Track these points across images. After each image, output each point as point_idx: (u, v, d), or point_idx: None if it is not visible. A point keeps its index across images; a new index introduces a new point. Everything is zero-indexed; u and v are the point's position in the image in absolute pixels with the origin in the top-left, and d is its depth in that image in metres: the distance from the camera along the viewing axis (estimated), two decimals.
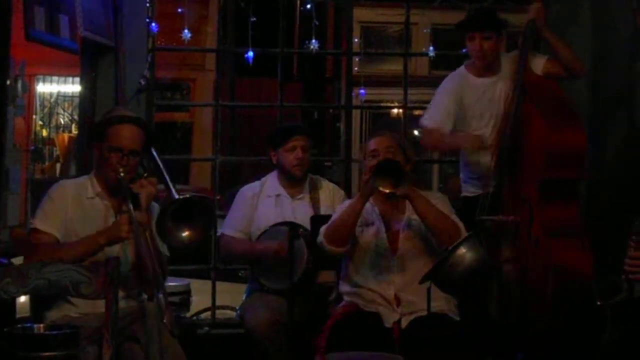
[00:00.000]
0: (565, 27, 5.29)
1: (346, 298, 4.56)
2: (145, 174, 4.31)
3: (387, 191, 4.29)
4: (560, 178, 4.84)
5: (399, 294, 4.38)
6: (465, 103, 5.17)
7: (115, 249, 4.13)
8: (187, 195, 4.17)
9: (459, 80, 5.26)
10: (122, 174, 4.12)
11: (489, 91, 5.16)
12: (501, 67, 5.21)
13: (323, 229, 4.50)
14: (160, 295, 3.93)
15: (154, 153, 4.47)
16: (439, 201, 4.55)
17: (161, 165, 4.43)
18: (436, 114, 5.19)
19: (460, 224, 4.45)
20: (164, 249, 4.28)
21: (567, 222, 4.83)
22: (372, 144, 4.56)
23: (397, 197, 4.41)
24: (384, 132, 4.65)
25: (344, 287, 4.59)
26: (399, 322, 4.32)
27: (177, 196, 4.11)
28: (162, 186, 4.37)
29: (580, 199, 4.99)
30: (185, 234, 4.15)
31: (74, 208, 4.22)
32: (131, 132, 4.21)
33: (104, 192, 4.26)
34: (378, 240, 4.50)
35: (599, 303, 4.24)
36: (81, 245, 4.07)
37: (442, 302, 4.37)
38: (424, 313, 4.24)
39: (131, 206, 4.04)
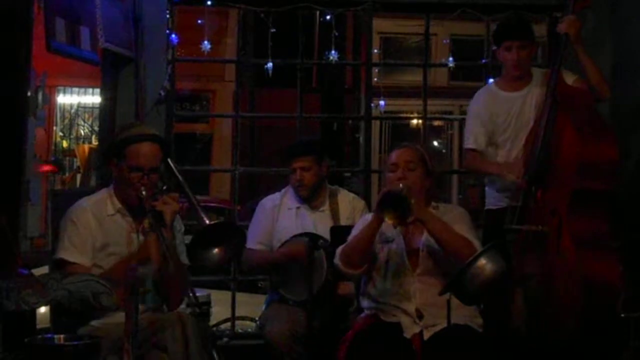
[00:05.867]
0: (585, 42, 5.24)
1: (367, 311, 4.53)
2: (165, 187, 4.31)
3: (392, 222, 4.21)
4: (592, 189, 4.78)
5: (421, 308, 4.33)
6: (495, 118, 5.16)
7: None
8: (218, 221, 4.17)
9: (488, 97, 5.25)
10: (143, 193, 4.12)
11: (520, 103, 5.13)
12: (532, 76, 5.18)
13: (339, 250, 4.45)
14: (184, 306, 3.93)
15: (172, 165, 4.48)
16: (458, 216, 4.50)
17: (181, 179, 4.44)
18: (472, 135, 5.23)
19: (476, 242, 4.36)
20: (183, 257, 4.29)
21: (597, 234, 4.76)
22: (393, 157, 4.50)
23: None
24: (405, 145, 4.56)
25: (364, 303, 4.56)
26: (420, 333, 4.28)
27: (208, 222, 4.12)
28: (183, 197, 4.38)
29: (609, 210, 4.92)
30: (217, 255, 4.16)
31: (97, 228, 4.22)
32: (150, 150, 4.20)
33: (124, 209, 4.27)
34: (398, 257, 4.44)
35: (622, 315, 4.20)
36: (114, 272, 4.05)
37: (465, 315, 4.33)
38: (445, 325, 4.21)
39: (156, 225, 4.04)
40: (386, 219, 4.18)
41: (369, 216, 4.51)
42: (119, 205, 4.26)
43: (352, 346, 4.27)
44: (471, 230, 4.46)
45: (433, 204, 4.52)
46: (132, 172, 4.16)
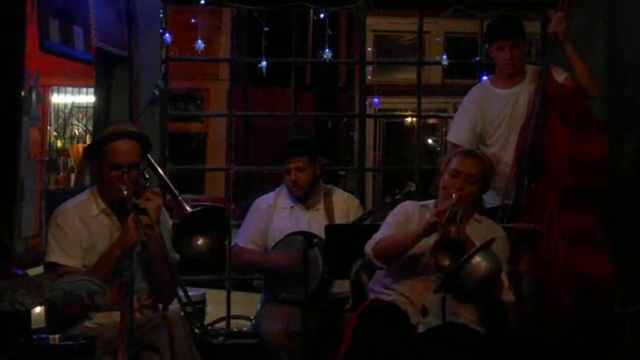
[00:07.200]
0: (579, 39, 5.25)
1: (371, 295, 4.49)
2: (148, 184, 4.31)
3: (445, 266, 4.17)
4: (582, 186, 4.79)
5: (428, 307, 4.31)
6: (488, 116, 5.16)
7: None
8: (199, 207, 4.17)
9: (481, 94, 5.25)
10: (125, 191, 4.10)
11: (514, 101, 5.14)
12: (526, 73, 5.19)
13: (373, 240, 4.37)
14: (177, 305, 3.93)
15: (152, 161, 4.48)
16: (500, 239, 4.38)
17: (161, 173, 4.45)
18: (458, 130, 5.23)
19: (504, 278, 4.29)
20: (173, 253, 4.28)
21: (587, 231, 4.78)
22: (457, 162, 4.39)
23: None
24: (474, 155, 4.47)
25: (374, 286, 4.51)
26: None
27: (189, 209, 4.12)
28: (169, 196, 4.38)
29: (600, 208, 4.93)
30: (202, 243, 4.16)
31: (83, 229, 4.21)
32: (127, 147, 4.18)
33: (109, 208, 4.26)
34: (425, 253, 4.36)
35: (617, 310, 4.20)
36: (101, 266, 4.06)
37: (463, 315, 4.32)
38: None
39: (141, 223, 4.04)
40: (439, 262, 4.16)
41: (410, 210, 4.47)
42: (103, 205, 4.25)
43: (358, 326, 4.20)
44: (504, 259, 4.37)
45: (476, 215, 4.48)
46: (111, 170, 4.15)
